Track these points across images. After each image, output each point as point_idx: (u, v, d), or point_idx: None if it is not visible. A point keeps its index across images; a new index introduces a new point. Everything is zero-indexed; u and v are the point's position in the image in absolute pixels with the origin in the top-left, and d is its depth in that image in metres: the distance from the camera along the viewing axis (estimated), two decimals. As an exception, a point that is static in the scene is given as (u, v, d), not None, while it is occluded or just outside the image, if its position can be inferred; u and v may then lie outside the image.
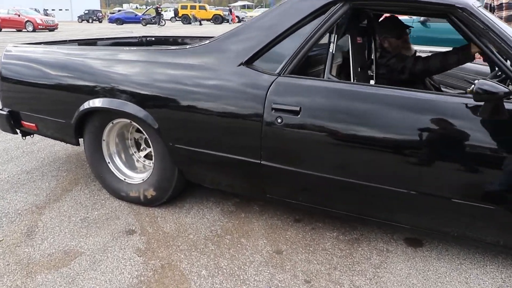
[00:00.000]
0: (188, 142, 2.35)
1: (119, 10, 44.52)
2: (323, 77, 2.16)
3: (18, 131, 3.11)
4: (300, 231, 2.49)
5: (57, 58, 2.70)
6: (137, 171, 2.83)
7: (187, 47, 2.37)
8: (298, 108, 2.05)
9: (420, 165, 1.91)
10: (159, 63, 2.36)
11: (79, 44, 3.66)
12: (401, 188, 1.96)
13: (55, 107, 2.74)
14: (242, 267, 2.15)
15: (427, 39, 8.30)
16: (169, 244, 2.33)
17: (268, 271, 2.12)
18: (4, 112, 3.02)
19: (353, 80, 2.36)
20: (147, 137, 2.55)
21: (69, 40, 3.63)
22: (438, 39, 8.21)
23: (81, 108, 2.58)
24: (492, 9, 4.78)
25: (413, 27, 3.47)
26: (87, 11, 43.19)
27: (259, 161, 2.20)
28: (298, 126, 2.07)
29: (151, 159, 2.75)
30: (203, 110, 2.24)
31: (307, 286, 2.02)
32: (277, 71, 2.15)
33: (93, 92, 2.52)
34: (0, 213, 2.66)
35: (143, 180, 2.69)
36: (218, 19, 37.01)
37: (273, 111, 2.10)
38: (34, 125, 2.95)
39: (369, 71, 2.72)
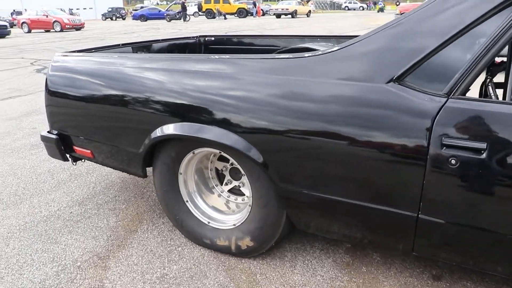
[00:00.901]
0: (311, 185, 1.72)
1: (142, 7, 44.28)
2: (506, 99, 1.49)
3: (69, 157, 2.56)
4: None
5: (119, 70, 2.12)
6: (225, 213, 2.23)
7: (306, 55, 1.72)
8: (484, 145, 1.40)
9: None
10: (270, 77, 1.74)
11: (134, 49, 3.08)
12: None
13: (119, 132, 2.17)
14: None
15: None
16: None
17: None
18: (53, 136, 2.47)
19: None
20: (244, 173, 1.94)
21: (122, 44, 3.05)
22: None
23: (154, 134, 2.00)
24: None
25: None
26: (110, 9, 43.17)
27: (415, 215, 1.57)
28: (481, 170, 1.42)
29: (240, 194, 2.20)
30: (334, 142, 1.60)
31: None
32: (445, 90, 1.48)
33: (172, 115, 1.93)
34: (56, 266, 2.11)
35: (234, 225, 2.10)
36: (242, 13, 36.29)
37: (444, 148, 1.45)
38: (89, 151, 2.40)
39: None
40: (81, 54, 2.40)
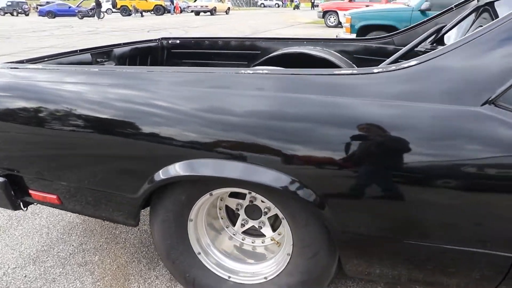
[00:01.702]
0: (391, 230, 1.37)
1: (48, 2, 40.88)
2: None
3: (21, 204, 1.95)
4: None
5: (97, 90, 1.58)
6: (248, 262, 1.80)
7: (375, 70, 1.35)
8: None
9: None
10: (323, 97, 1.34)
11: (93, 56, 2.51)
12: None
13: (105, 172, 1.64)
14: None
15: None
16: None
17: None
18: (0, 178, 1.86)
19: None
20: (284, 217, 1.54)
21: (80, 51, 2.46)
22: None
23: (162, 175, 1.50)
24: None
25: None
26: (10, 3, 39.22)
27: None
28: None
29: (258, 236, 1.81)
30: (418, 177, 1.27)
31: None
32: None
33: (188, 149, 1.44)
34: None
35: (266, 278, 1.70)
36: (159, 10, 35.00)
37: None
38: (55, 196, 1.83)
39: None
40: (35, 65, 1.81)
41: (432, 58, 1.30)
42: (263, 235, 1.82)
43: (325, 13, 18.94)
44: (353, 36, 8.06)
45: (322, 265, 1.56)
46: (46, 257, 2.18)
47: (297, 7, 48.01)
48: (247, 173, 1.39)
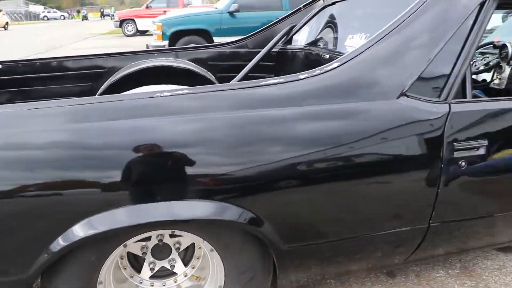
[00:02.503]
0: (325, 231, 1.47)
1: None
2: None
3: None
4: None
5: None
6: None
7: (301, 77, 1.38)
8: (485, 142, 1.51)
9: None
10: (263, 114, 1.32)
11: None
12: None
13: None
14: None
15: (235, 30, 8.14)
16: None
17: None
18: None
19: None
20: (214, 248, 1.46)
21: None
22: (247, 29, 8.17)
23: (76, 233, 1.24)
24: None
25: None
26: None
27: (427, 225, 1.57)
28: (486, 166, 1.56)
29: (168, 276, 1.63)
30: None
31: None
32: (443, 97, 1.48)
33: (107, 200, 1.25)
34: None
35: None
36: None
37: (455, 152, 1.47)
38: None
39: None
40: None
41: (351, 59, 1.41)
42: (174, 274, 1.66)
43: (122, 22, 18.39)
44: (165, 43, 8.02)
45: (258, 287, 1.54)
46: None
47: (85, 17, 45.48)
48: (173, 211, 1.28)
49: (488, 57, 2.75)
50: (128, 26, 18.30)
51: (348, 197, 1.43)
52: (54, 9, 55.15)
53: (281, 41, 2.79)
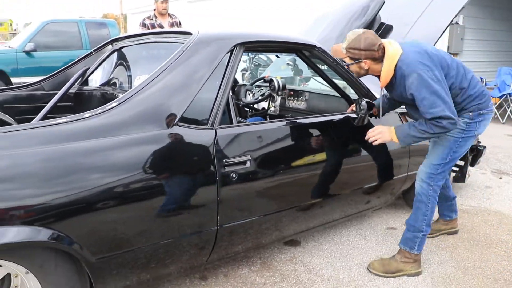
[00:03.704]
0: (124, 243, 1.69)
1: None
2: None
3: None
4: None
5: None
6: None
7: (86, 115, 1.59)
8: (248, 157, 1.96)
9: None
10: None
11: None
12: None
13: None
14: None
15: (34, 70, 7.76)
16: None
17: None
18: None
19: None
20: (30, 271, 1.55)
21: None
22: (48, 68, 7.87)
23: None
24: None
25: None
26: None
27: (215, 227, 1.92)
28: (251, 176, 2.00)
29: None
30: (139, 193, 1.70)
31: None
32: (210, 124, 1.89)
33: None
34: None
35: None
36: None
37: (225, 167, 1.88)
38: None
39: None
40: None
41: (127, 99, 1.68)
42: None
43: None
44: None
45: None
46: None
47: None
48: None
49: (263, 89, 3.34)
50: None
51: (144, 212, 1.67)
52: None
53: (77, 82, 2.91)
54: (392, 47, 2.13)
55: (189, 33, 2.05)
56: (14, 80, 7.41)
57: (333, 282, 2.34)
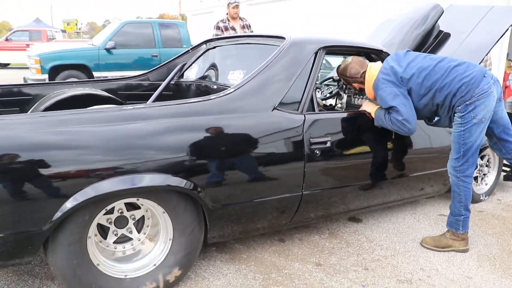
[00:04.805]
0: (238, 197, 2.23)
1: None
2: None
3: None
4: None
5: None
6: (132, 260, 2.20)
7: (212, 97, 2.14)
8: (329, 138, 2.47)
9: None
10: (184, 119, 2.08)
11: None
12: None
13: (6, 212, 1.76)
14: None
15: (113, 65, 8.59)
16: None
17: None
18: None
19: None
20: (166, 211, 2.10)
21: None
22: (125, 64, 8.68)
23: (78, 198, 1.81)
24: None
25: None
26: None
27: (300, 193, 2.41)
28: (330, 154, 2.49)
29: (125, 241, 2.23)
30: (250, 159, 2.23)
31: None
32: (300, 110, 2.40)
33: (99, 174, 1.86)
34: None
35: (155, 265, 2.18)
36: None
37: (311, 145, 2.38)
38: None
39: None
40: None
41: (240, 87, 2.20)
42: (131, 239, 2.25)
43: (-20, 54, 17.12)
44: (45, 76, 8.10)
45: (197, 238, 2.22)
46: None
47: None
48: (142, 181, 1.93)
49: (331, 88, 3.80)
50: (-13, 58, 17.11)
51: (247, 175, 2.19)
52: None
53: (176, 75, 3.50)
54: (369, 72, 2.61)
55: (283, 38, 2.55)
56: (95, 74, 8.25)
57: (391, 251, 2.76)
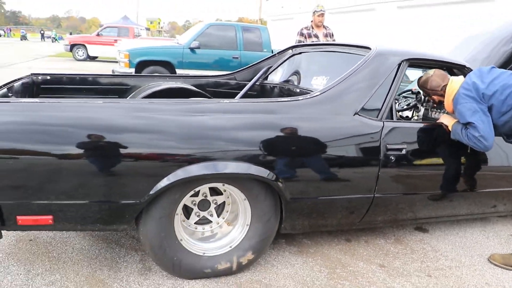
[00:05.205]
0: (313, 192, 2.41)
1: None
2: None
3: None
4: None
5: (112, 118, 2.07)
6: (210, 240, 2.47)
7: (300, 98, 2.35)
8: (404, 146, 2.58)
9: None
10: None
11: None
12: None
13: (110, 185, 2.07)
14: None
15: (195, 64, 9.09)
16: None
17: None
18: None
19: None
20: (247, 198, 2.33)
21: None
22: (206, 64, 9.15)
23: (171, 177, 2.08)
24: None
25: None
26: None
27: (372, 195, 2.55)
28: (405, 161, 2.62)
29: (206, 223, 2.49)
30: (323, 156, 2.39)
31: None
32: (379, 117, 2.54)
33: (190, 159, 2.12)
34: None
35: (231, 247, 2.42)
36: None
37: (387, 151, 2.52)
38: (49, 217, 2.08)
39: None
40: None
41: (325, 91, 2.38)
42: (210, 222, 2.51)
43: (72, 47, 18.69)
44: (132, 70, 8.78)
45: (272, 226, 2.44)
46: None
47: (24, 37, 44.27)
48: (228, 167, 2.16)
49: (409, 100, 3.87)
50: (78, 51, 18.63)
51: (325, 172, 2.37)
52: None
53: (261, 77, 3.76)
54: (450, 86, 2.65)
55: (368, 48, 2.70)
56: (178, 71, 8.79)
57: (456, 262, 2.81)
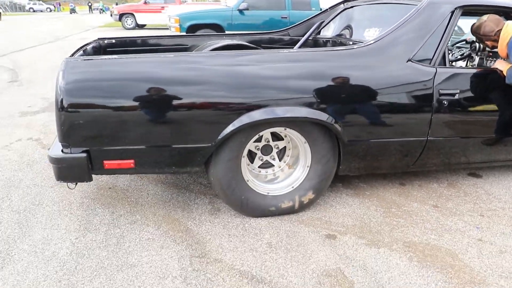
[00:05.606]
0: (369, 134, 2.57)
1: None
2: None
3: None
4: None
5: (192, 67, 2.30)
6: (273, 182, 2.71)
7: (355, 46, 2.48)
8: (457, 91, 2.66)
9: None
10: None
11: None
12: None
13: (184, 131, 2.32)
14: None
15: (244, 26, 9.21)
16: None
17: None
18: (79, 154, 2.29)
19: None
20: (307, 141, 2.52)
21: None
22: (254, 25, 9.24)
23: (236, 123, 2.30)
24: None
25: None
26: None
27: (425, 138, 2.67)
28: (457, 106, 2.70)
29: (268, 167, 2.72)
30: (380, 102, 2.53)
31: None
32: (432, 63, 2.61)
33: (252, 105, 2.33)
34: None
35: (293, 187, 2.65)
36: None
37: (440, 95, 2.62)
38: (131, 161, 2.37)
39: None
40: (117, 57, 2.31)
41: (379, 40, 2.49)
42: (272, 166, 2.74)
43: (121, 16, 19.21)
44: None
45: (331, 167, 2.64)
46: (101, 228, 2.62)
47: (73, 11, 45.76)
48: (290, 112, 2.35)
49: (463, 50, 3.86)
50: (127, 20, 19.13)
51: (380, 116, 2.51)
52: (40, 1, 55.11)
53: (314, 32, 3.87)
54: (505, 30, 2.65)
55: None
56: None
57: (509, 204, 2.90)
